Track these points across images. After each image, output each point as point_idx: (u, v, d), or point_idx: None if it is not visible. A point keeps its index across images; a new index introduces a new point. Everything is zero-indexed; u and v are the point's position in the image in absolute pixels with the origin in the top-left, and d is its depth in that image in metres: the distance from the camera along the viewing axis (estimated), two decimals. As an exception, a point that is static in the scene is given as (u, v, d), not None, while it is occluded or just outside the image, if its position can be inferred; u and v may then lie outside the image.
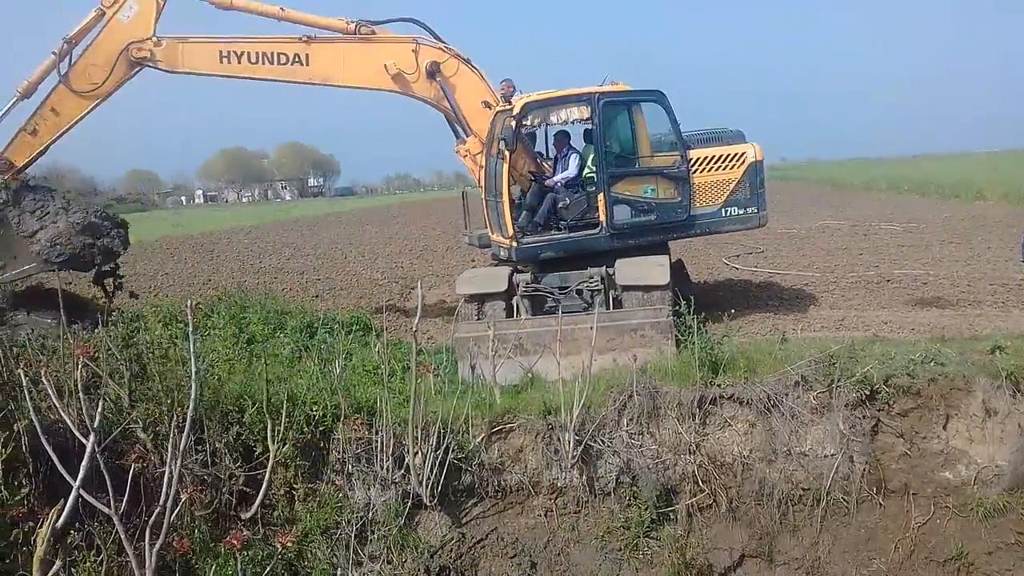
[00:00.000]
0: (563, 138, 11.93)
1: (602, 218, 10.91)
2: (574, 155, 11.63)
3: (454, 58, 11.75)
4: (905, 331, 10.29)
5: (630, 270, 10.63)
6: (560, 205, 11.33)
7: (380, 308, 11.90)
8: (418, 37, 11.79)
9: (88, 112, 11.47)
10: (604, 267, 10.85)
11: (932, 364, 7.86)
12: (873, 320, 11.16)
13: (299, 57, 11.54)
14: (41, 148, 11.57)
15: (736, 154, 11.40)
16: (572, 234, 11.14)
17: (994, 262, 15.74)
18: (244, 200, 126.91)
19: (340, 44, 11.72)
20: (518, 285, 11.05)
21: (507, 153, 10.65)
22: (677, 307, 9.13)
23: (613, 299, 10.86)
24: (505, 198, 10.80)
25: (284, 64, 11.54)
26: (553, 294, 11.00)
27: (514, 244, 10.87)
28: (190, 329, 5.39)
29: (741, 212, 11.49)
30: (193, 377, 5.29)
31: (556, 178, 11.64)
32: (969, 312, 11.49)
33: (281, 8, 11.68)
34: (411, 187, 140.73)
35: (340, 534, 7.39)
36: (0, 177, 11.26)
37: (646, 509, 7.70)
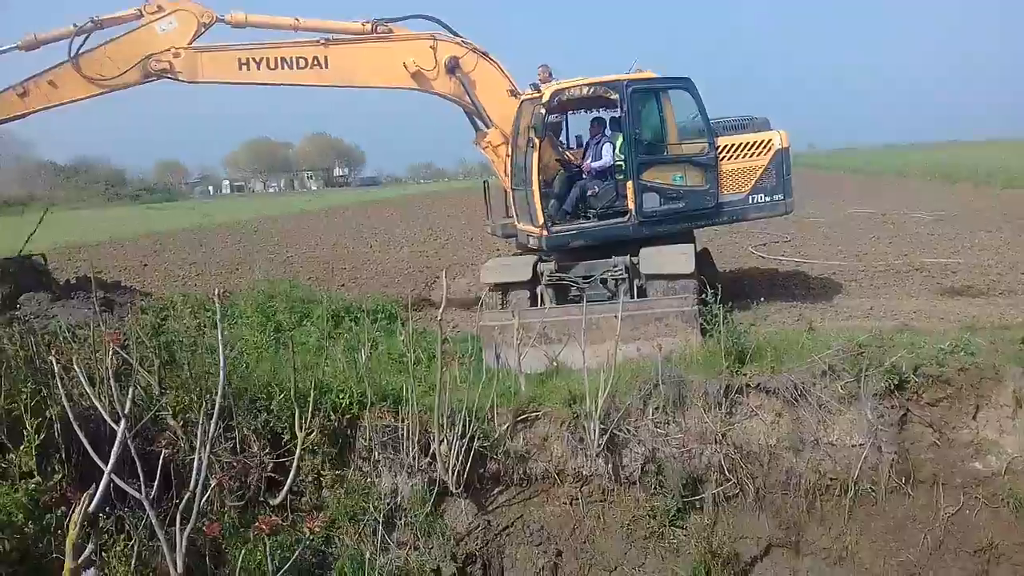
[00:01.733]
0: (598, 125, 11.88)
1: (631, 206, 10.85)
2: (607, 143, 11.54)
3: (472, 52, 11.68)
4: (934, 320, 10.16)
5: (655, 259, 10.58)
6: (589, 193, 11.31)
7: (407, 298, 11.91)
8: (435, 33, 11.71)
9: (85, 98, 11.33)
10: (628, 256, 10.81)
11: (962, 353, 7.79)
12: (902, 309, 11.03)
13: (318, 60, 11.51)
14: (23, 112, 11.31)
15: (763, 141, 11.31)
16: (601, 222, 11.11)
17: (1025, 250, 15.49)
18: (270, 190, 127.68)
19: (358, 45, 11.68)
20: (542, 274, 11.04)
21: (537, 141, 10.60)
22: (703, 295, 9.09)
23: (637, 288, 10.82)
24: (535, 187, 10.70)
25: (304, 68, 11.52)
26: (577, 283, 10.98)
27: (544, 233, 10.78)
28: (218, 317, 5.43)
29: (768, 199, 11.40)
30: (221, 365, 5.34)
31: (594, 165, 11.49)
32: (999, 301, 11.33)
33: (296, 19, 11.67)
34: (435, 176, 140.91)
35: (367, 520, 7.44)
36: None
37: (672, 498, 7.69)
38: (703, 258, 12.16)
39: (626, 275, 10.82)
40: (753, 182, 11.32)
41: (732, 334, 8.19)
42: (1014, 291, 11.97)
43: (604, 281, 10.96)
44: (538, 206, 10.72)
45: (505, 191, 12.41)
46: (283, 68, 11.49)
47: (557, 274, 11.03)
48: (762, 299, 11.04)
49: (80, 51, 11.09)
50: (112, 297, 11.99)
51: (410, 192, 77.64)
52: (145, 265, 20.59)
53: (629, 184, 10.83)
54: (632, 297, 10.54)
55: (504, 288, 11.14)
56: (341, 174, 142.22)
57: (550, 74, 11.74)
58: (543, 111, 10.58)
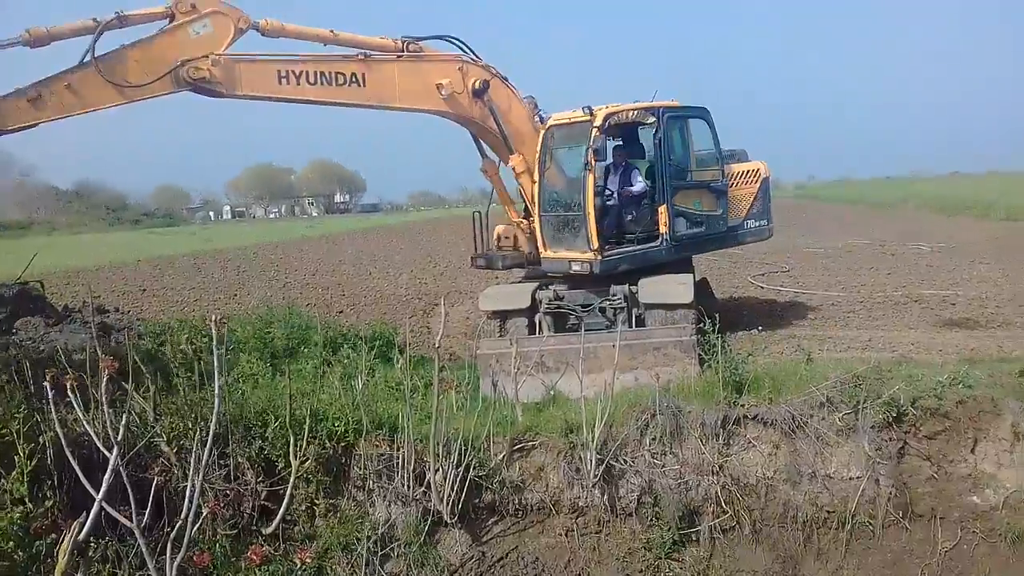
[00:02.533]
0: (621, 152, 12.04)
1: (663, 230, 11.03)
2: (634, 170, 11.69)
3: (496, 76, 11.31)
4: (933, 352, 10.16)
5: (653, 288, 10.58)
6: (628, 218, 11.46)
7: (406, 325, 11.81)
8: (459, 55, 11.24)
9: (108, 108, 9.64)
10: (627, 285, 10.81)
11: (960, 386, 7.76)
12: (900, 341, 11.02)
13: (356, 77, 10.55)
14: (34, 122, 9.35)
15: (755, 170, 12.17)
16: (639, 247, 11.22)
17: (1024, 283, 15.50)
18: (271, 216, 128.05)
19: (393, 63, 10.87)
20: (541, 302, 11.03)
21: (593, 163, 10.53)
22: (701, 325, 9.09)
23: (636, 317, 10.81)
24: (590, 210, 10.54)
25: (341, 85, 10.52)
26: (576, 311, 10.97)
27: (598, 257, 10.61)
28: (215, 343, 5.42)
29: (757, 224, 12.31)
30: (217, 391, 5.32)
31: (633, 190, 11.57)
32: (998, 333, 11.33)
33: (333, 32, 10.71)
34: (435, 204, 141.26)
35: (360, 550, 7.37)
36: None
37: (668, 530, 7.61)
38: (702, 288, 12.20)
39: (625, 304, 10.82)
40: (747, 208, 12.15)
41: (730, 364, 8.16)
42: (1012, 323, 11.97)
43: (603, 310, 10.96)
44: (593, 231, 10.54)
45: (508, 220, 12.24)
46: (322, 84, 10.41)
47: (556, 302, 11.02)
48: (760, 329, 11.05)
49: (96, 50, 9.23)
50: (109, 322, 11.94)
51: (411, 219, 77.85)
52: (144, 290, 20.61)
53: (662, 208, 11.03)
54: (630, 326, 10.54)
55: (502, 316, 11.14)
56: (342, 200, 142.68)
57: (536, 105, 11.66)
58: (599, 134, 10.62)
